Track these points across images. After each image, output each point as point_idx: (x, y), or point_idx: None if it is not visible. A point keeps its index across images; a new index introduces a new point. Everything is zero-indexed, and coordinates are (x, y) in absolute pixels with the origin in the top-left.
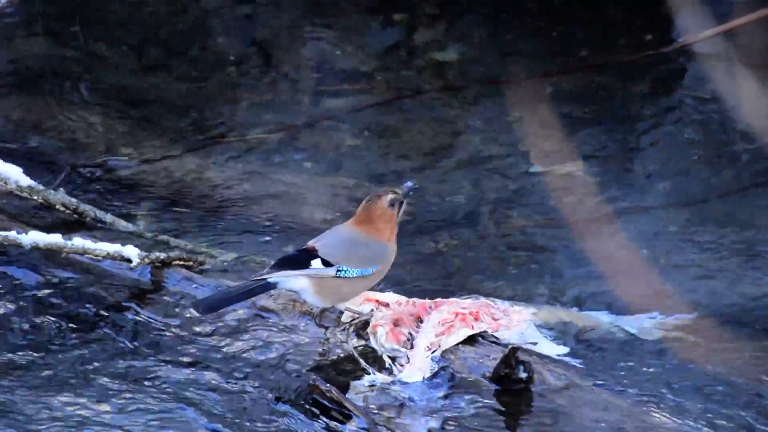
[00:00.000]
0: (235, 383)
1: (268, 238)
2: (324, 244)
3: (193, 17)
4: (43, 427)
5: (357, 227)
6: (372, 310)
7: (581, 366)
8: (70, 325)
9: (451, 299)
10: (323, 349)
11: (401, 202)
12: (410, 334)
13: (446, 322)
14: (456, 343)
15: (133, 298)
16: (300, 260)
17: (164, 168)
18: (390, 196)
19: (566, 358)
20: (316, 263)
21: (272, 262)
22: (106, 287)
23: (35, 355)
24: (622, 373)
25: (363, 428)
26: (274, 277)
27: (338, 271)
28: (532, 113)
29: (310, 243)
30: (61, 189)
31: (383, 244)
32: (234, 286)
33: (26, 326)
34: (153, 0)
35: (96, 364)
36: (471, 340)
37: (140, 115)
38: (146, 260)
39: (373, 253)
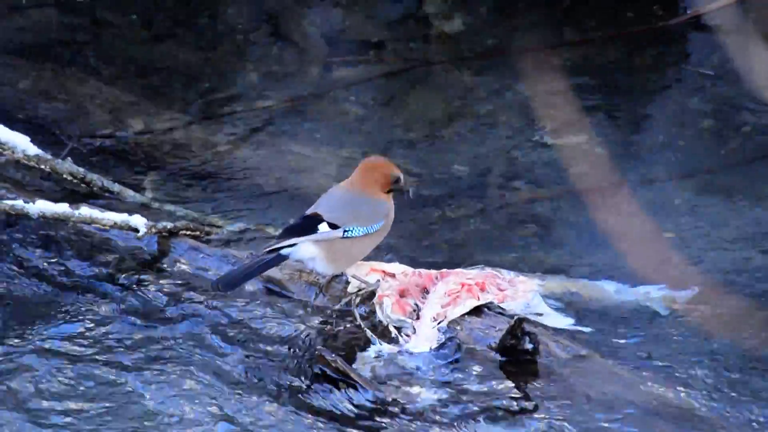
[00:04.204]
0: (241, 354)
1: (275, 208)
2: (327, 208)
3: None
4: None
5: (353, 187)
6: (378, 280)
7: (587, 337)
8: (80, 296)
9: (457, 270)
10: (329, 320)
11: (398, 180)
12: (416, 304)
13: (452, 292)
14: (462, 313)
15: (140, 268)
16: (306, 227)
17: (172, 138)
18: (396, 171)
19: (572, 329)
20: (323, 227)
21: (279, 233)
22: (114, 257)
23: (46, 324)
24: (628, 344)
25: (368, 399)
26: (285, 248)
27: (345, 231)
28: (540, 84)
29: (311, 210)
30: (69, 159)
31: (383, 201)
32: (248, 261)
33: (32, 291)
34: None
35: (107, 333)
36: (477, 311)
37: (148, 85)
38: (153, 230)
39: (375, 210)
